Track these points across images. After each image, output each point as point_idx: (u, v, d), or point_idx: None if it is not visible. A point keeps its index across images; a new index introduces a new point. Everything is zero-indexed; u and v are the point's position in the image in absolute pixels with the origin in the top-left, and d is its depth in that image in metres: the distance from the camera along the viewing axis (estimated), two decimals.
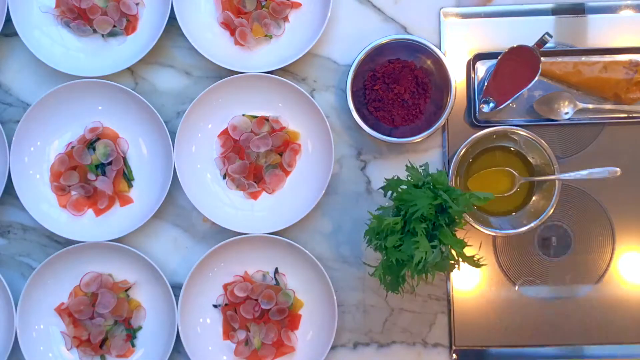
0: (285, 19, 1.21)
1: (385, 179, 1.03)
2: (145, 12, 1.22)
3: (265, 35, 1.20)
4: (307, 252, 1.14)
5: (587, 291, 1.17)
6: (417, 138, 1.14)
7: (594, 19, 1.19)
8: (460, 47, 1.20)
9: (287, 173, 1.20)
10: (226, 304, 1.17)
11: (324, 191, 1.15)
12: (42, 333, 1.18)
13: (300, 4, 1.21)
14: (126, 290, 1.18)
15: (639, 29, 1.19)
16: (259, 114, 1.20)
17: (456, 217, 0.98)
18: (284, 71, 1.20)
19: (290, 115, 1.19)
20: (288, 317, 1.16)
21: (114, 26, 1.20)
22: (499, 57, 1.12)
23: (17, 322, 1.14)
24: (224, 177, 1.20)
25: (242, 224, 1.17)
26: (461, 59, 1.19)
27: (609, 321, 1.17)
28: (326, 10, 1.16)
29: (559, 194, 1.10)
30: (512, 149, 1.15)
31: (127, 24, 1.21)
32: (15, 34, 1.18)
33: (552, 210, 1.09)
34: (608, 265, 1.17)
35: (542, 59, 1.11)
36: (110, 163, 1.18)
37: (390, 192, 1.02)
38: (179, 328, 1.14)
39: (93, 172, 1.18)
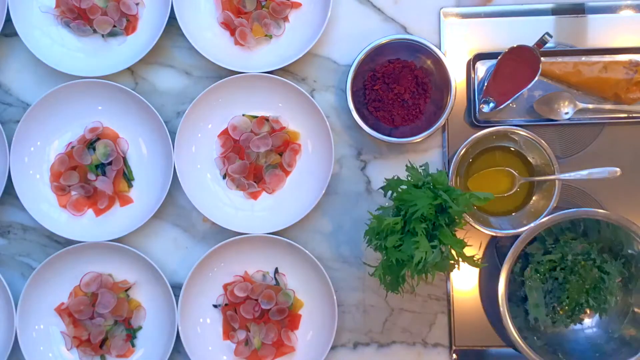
0: (285, 19, 1.21)
1: (385, 179, 1.03)
2: (145, 12, 1.22)
3: (265, 35, 1.20)
4: (307, 252, 1.14)
5: None
6: (417, 138, 1.14)
7: (594, 19, 1.19)
8: (460, 47, 1.20)
9: (287, 173, 1.20)
10: (226, 304, 1.17)
11: (324, 191, 1.15)
12: (42, 333, 1.18)
13: (300, 4, 1.21)
14: (126, 290, 1.18)
15: (639, 29, 1.19)
16: (259, 114, 1.20)
17: (456, 217, 0.98)
18: (284, 71, 1.20)
19: (290, 115, 1.19)
20: (288, 317, 1.16)
21: (114, 26, 1.20)
22: (499, 57, 1.12)
23: (17, 322, 1.14)
24: (224, 177, 1.20)
25: (242, 224, 1.17)
26: (461, 59, 1.19)
27: None
28: (326, 10, 1.16)
29: (559, 194, 1.10)
30: (512, 149, 1.15)
31: (127, 24, 1.21)
32: (15, 34, 1.18)
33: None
34: None
35: (542, 59, 1.11)
36: (110, 163, 1.18)
37: (390, 192, 1.02)
38: (179, 328, 1.14)
39: (93, 172, 1.18)
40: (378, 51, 1.15)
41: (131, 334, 1.18)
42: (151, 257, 1.16)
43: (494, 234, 1.11)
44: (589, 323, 1.13)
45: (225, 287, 1.18)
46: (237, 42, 1.20)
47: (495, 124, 1.16)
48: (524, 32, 1.16)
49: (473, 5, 1.21)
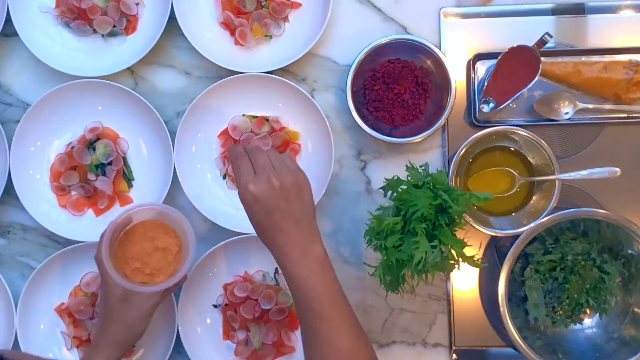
0: (285, 19, 1.21)
1: (385, 179, 1.03)
2: (145, 12, 1.22)
3: (265, 35, 1.20)
4: None
5: None
6: (417, 138, 1.14)
7: (594, 19, 1.19)
8: (460, 47, 1.20)
9: None
10: (226, 304, 1.17)
11: (324, 191, 1.15)
12: (42, 333, 1.18)
13: (300, 4, 1.21)
14: None
15: (639, 29, 1.19)
16: (259, 114, 1.20)
17: (456, 217, 0.98)
18: (284, 71, 1.20)
19: (290, 115, 1.19)
20: (288, 317, 1.16)
21: (114, 26, 1.20)
22: (499, 57, 1.12)
23: (17, 322, 1.14)
24: (224, 177, 1.20)
25: (242, 224, 1.16)
26: (461, 59, 1.19)
27: None
28: (326, 10, 1.16)
29: (559, 194, 1.10)
30: (512, 149, 1.15)
31: (127, 24, 1.21)
32: (15, 34, 1.18)
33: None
34: None
35: (542, 59, 1.11)
36: (110, 163, 1.18)
37: (390, 192, 1.02)
38: (179, 328, 1.14)
39: (93, 172, 1.18)
40: (378, 51, 1.15)
41: None
42: None
43: (494, 234, 1.12)
44: (589, 323, 1.13)
45: (225, 287, 1.18)
46: (237, 42, 1.20)
47: (495, 124, 1.16)
48: (524, 32, 1.16)
49: (473, 5, 1.21)
